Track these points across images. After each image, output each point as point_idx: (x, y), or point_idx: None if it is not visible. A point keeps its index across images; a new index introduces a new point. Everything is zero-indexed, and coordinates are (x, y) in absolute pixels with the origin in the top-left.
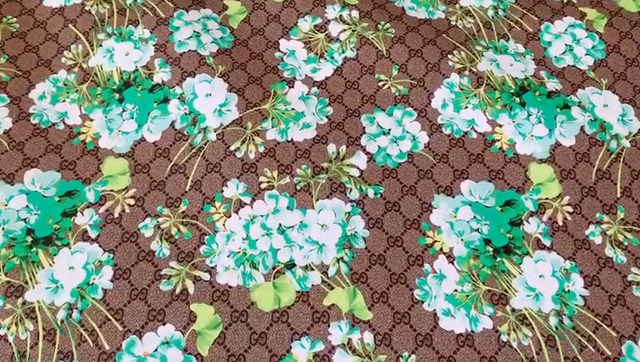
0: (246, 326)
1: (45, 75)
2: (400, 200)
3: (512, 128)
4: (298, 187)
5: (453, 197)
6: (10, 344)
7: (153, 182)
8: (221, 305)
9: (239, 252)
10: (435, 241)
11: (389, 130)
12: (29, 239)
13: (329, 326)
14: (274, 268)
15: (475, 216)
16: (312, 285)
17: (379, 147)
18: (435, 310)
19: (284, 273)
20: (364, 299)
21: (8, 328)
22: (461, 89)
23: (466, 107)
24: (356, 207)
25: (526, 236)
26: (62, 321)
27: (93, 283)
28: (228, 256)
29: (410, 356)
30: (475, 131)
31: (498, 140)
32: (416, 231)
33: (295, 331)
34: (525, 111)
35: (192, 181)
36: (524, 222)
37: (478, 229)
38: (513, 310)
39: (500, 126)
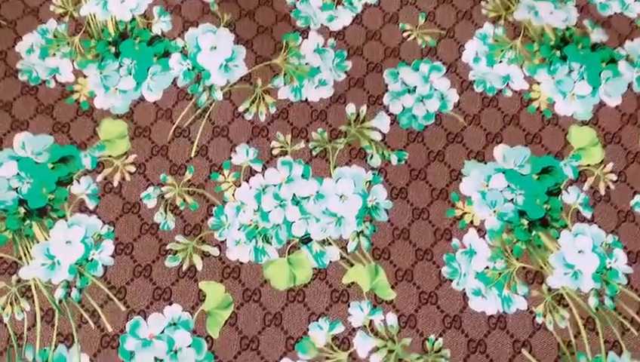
0: (259, 306)
1: (33, 25)
2: (426, 167)
3: (551, 85)
4: (314, 153)
5: (486, 163)
6: (5, 325)
7: (155, 146)
8: (232, 282)
9: (250, 225)
10: (465, 213)
11: (415, 87)
12: (22, 210)
13: (349, 306)
14: (288, 242)
15: (508, 185)
16: (330, 261)
17: (403, 107)
18: (464, 289)
19: (299, 248)
20: (387, 277)
21: (3, 308)
22: (495, 41)
23: (501, 61)
24: (378, 175)
25: (564, 207)
26: (60, 301)
27: (92, 259)
28: (238, 230)
29: (437, 339)
30: (511, 89)
31: (536, 99)
32: (444, 202)
33: (312, 311)
34: (566, 66)
35: (197, 146)
36: (563, 192)
37: (512, 200)
38: (549, 289)
39: (538, 83)
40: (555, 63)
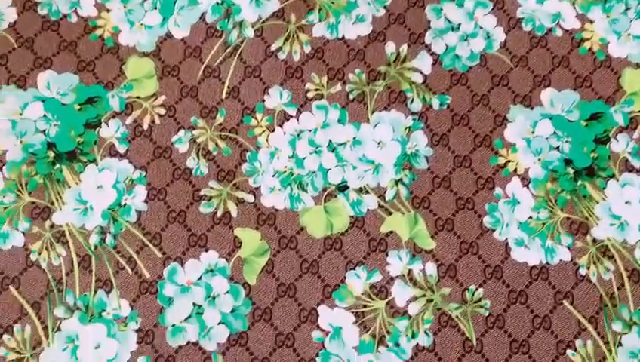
0: (296, 253)
1: None
2: (469, 112)
3: (605, 25)
4: (351, 96)
5: (532, 108)
6: (44, 270)
7: (184, 87)
8: (268, 230)
9: (285, 171)
10: (509, 161)
11: (459, 25)
12: (51, 154)
13: (387, 255)
14: (324, 190)
15: (555, 132)
16: (368, 210)
17: (446, 46)
18: (506, 239)
19: (335, 196)
20: (427, 226)
21: (39, 253)
22: None
23: None
24: (418, 120)
25: (612, 156)
26: (95, 247)
27: (125, 205)
28: (273, 176)
29: (477, 289)
30: (561, 28)
31: (588, 39)
32: (487, 150)
33: (350, 260)
34: (622, 4)
35: (228, 87)
36: (612, 140)
37: (558, 147)
38: (594, 240)
39: (591, 22)
40: (610, 1)
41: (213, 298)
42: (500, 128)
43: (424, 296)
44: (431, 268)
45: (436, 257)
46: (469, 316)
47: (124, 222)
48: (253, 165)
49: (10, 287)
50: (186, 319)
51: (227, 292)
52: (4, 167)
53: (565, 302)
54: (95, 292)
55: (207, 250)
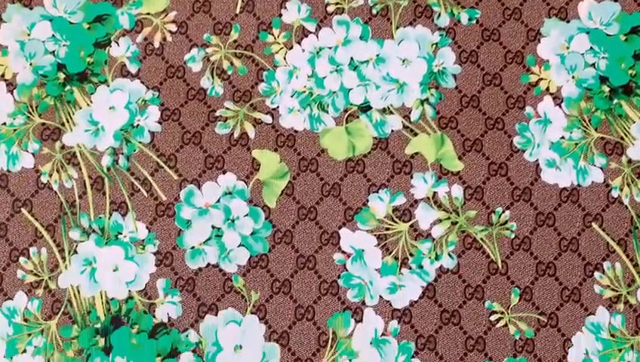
0: (316, 176)
1: None
2: (500, 26)
3: None
4: (374, 11)
5: (568, 22)
6: (55, 192)
7: (196, 2)
8: (287, 151)
9: (304, 91)
10: (541, 79)
11: None
12: (62, 76)
13: (412, 177)
14: (346, 110)
15: (591, 47)
16: (392, 131)
17: None
18: (537, 160)
19: (358, 116)
20: (454, 147)
21: (50, 175)
22: None
23: None
24: (446, 36)
25: None
26: (108, 168)
27: (138, 125)
28: (291, 96)
29: (504, 212)
30: None
31: None
32: (519, 67)
33: (372, 182)
34: None
35: (242, 1)
36: None
37: (594, 64)
38: (630, 161)
39: None
40: None
41: (233, 220)
42: (533, 44)
43: (449, 218)
44: (457, 190)
45: (463, 179)
46: (495, 238)
47: (137, 143)
48: (271, 85)
49: (23, 210)
50: (205, 242)
51: (247, 215)
52: (14, 90)
53: (594, 225)
54: (110, 214)
55: (224, 173)
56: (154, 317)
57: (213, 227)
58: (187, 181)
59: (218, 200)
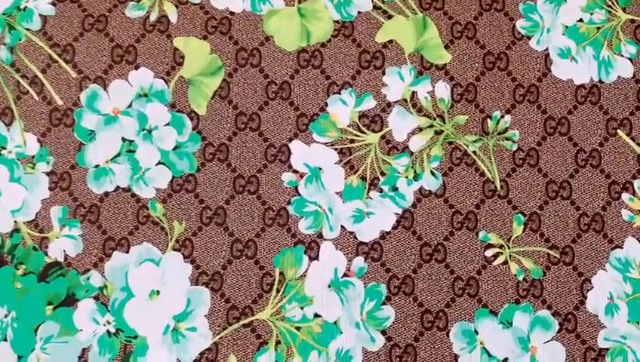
0: (259, 72)
1: None
2: None
3: None
4: None
5: None
6: None
7: None
8: (220, 40)
9: None
10: None
11: None
12: None
13: (384, 73)
14: None
15: None
16: (359, 13)
17: None
18: (546, 50)
19: None
20: (439, 33)
21: None
22: None
23: None
24: None
25: None
26: None
27: (26, 8)
28: None
29: (503, 117)
30: None
31: None
32: None
33: (333, 81)
34: None
35: None
36: None
37: None
38: None
39: None
40: None
41: (149, 131)
42: None
43: (431, 126)
44: (443, 89)
45: (450, 74)
46: (491, 151)
47: (23, 30)
48: None
49: None
50: (113, 159)
51: (167, 124)
52: None
53: (621, 132)
54: None
55: (137, 68)
56: (46, 255)
57: (123, 140)
58: (89, 79)
59: (130, 105)
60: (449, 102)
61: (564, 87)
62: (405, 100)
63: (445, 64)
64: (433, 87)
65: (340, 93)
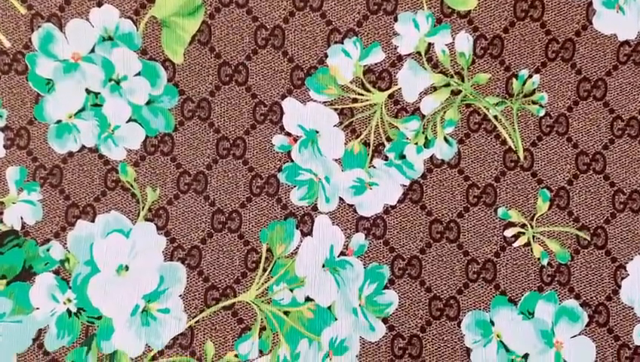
0: (246, 13)
1: None
2: None
3: None
4: None
5: None
6: None
7: None
8: None
9: None
10: None
11: None
12: None
13: (396, 20)
14: None
15: None
16: None
17: None
18: None
19: None
20: None
21: None
22: None
23: None
24: None
25: None
26: None
27: None
28: None
29: (531, 76)
30: None
31: None
32: None
33: (335, 27)
34: None
35: None
36: None
37: None
38: None
39: None
40: None
41: (117, 82)
42: None
43: (448, 85)
44: (464, 41)
45: (474, 24)
46: (515, 116)
47: None
48: None
49: None
50: (77, 113)
51: (138, 73)
52: None
53: None
54: None
55: (99, 5)
56: (0, 222)
57: (88, 92)
58: (41, 16)
59: (92, 50)
60: (470, 57)
61: (605, 44)
62: (419, 53)
63: (469, 11)
64: (453, 39)
65: (342, 43)
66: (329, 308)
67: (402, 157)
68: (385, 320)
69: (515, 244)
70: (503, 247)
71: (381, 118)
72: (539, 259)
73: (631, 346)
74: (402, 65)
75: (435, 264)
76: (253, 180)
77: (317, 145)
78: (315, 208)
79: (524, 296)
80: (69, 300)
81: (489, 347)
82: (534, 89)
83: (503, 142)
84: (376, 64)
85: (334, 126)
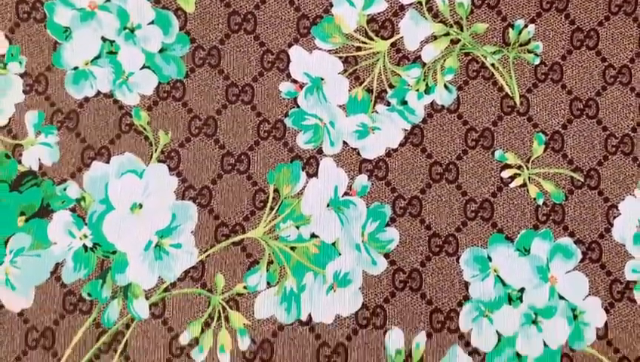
0: None
1: None
2: None
3: None
4: None
5: None
6: None
7: None
8: None
9: None
10: None
11: None
12: None
13: None
14: None
15: None
16: None
17: None
18: None
19: None
20: None
21: None
22: None
23: None
24: None
25: None
26: None
27: None
28: None
29: (526, 26)
30: None
31: None
32: None
33: None
34: None
35: None
36: None
37: None
38: None
39: None
40: None
41: (132, 30)
42: None
43: (447, 34)
44: None
45: None
46: (512, 64)
47: None
48: None
49: None
50: (93, 60)
51: (152, 22)
52: None
53: None
54: None
55: None
56: (19, 163)
57: (104, 39)
58: None
59: None
60: (468, 7)
61: None
62: (420, 3)
63: None
64: None
65: None
66: (333, 244)
67: (404, 103)
68: (386, 256)
69: (512, 185)
70: (500, 188)
71: (384, 66)
72: (534, 198)
73: (622, 281)
74: (404, 14)
75: (434, 203)
76: (261, 125)
77: (322, 92)
78: (320, 151)
79: (520, 234)
80: (85, 236)
81: (487, 281)
82: (530, 38)
83: (500, 89)
84: (379, 13)
85: (339, 73)
